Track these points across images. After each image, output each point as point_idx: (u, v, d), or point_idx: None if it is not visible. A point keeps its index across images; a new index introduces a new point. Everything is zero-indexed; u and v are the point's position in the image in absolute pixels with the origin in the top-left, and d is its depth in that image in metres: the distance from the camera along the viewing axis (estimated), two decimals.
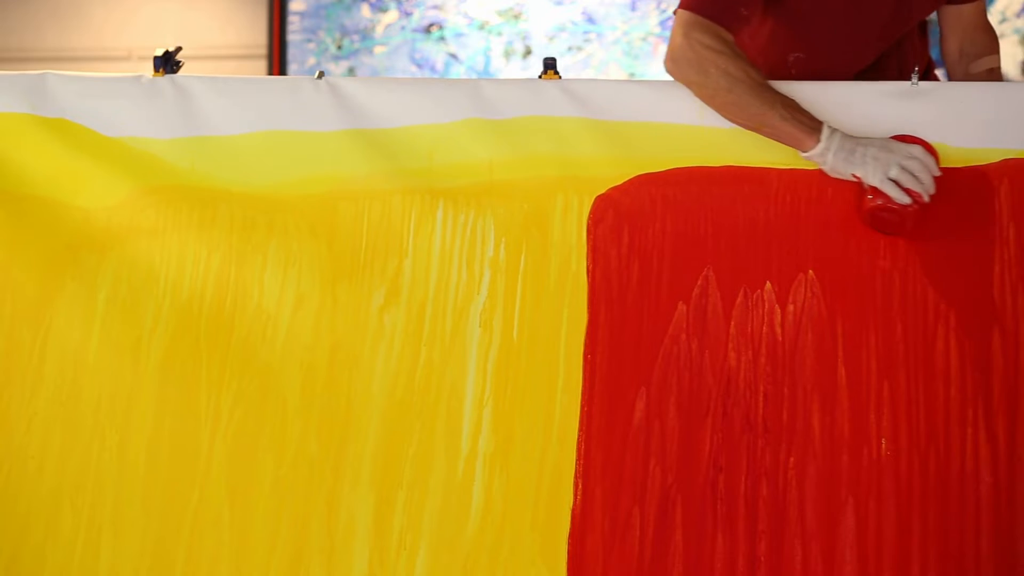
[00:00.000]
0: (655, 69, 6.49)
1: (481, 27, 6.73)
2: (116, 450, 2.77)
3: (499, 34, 6.65)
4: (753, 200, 2.73)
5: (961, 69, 3.06)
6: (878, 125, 2.72)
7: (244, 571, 2.70)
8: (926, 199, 2.63)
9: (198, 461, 2.75)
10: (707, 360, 2.69)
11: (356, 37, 6.75)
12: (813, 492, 2.62)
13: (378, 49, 6.76)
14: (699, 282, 2.73)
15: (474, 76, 6.62)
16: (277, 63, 6.71)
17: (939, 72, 3.19)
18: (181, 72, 2.94)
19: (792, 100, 2.70)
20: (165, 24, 6.84)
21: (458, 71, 6.67)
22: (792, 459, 2.63)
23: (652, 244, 2.74)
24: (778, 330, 2.69)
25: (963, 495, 2.59)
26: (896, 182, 2.62)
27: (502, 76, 6.59)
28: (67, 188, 2.88)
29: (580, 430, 2.70)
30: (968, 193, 2.70)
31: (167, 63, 2.92)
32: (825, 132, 2.66)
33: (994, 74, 3.06)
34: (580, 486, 2.67)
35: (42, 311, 2.84)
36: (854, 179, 2.67)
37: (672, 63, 2.76)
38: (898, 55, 3.05)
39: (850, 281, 2.69)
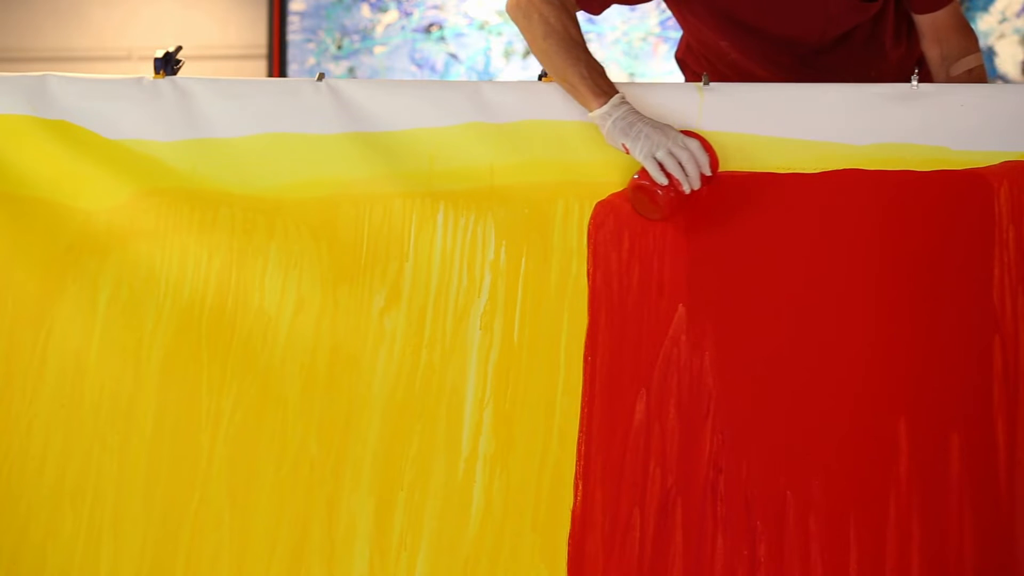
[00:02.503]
0: (655, 69, 6.49)
1: (481, 27, 6.73)
2: (117, 451, 2.77)
3: (499, 34, 6.65)
4: (754, 203, 2.74)
5: (943, 73, 3.06)
6: (878, 127, 2.72)
7: (245, 572, 2.70)
8: (685, 189, 2.67)
9: (199, 463, 2.75)
10: (707, 362, 2.69)
11: (356, 37, 6.75)
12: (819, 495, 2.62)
13: (378, 49, 6.76)
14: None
15: (474, 76, 6.62)
16: (277, 63, 6.70)
17: None
18: (181, 72, 2.94)
19: (600, 67, 2.76)
20: (165, 24, 6.84)
21: (458, 71, 6.67)
22: (792, 461, 2.64)
23: (652, 249, 2.75)
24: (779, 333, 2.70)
25: (962, 499, 2.59)
26: (661, 165, 2.66)
27: (502, 76, 6.59)
28: (68, 190, 2.88)
29: (580, 431, 2.70)
30: (967, 196, 2.70)
31: (167, 64, 2.92)
32: (614, 100, 2.71)
33: (975, 73, 3.05)
34: (580, 487, 2.68)
35: (43, 313, 2.84)
36: (624, 150, 2.70)
37: (508, 5, 2.85)
38: (873, 42, 3.06)
39: (849, 283, 2.69)
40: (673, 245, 2.74)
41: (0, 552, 2.75)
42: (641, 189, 2.70)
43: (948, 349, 2.65)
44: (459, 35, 6.71)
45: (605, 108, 2.71)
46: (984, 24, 6.28)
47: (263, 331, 2.79)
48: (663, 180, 2.66)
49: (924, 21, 3.05)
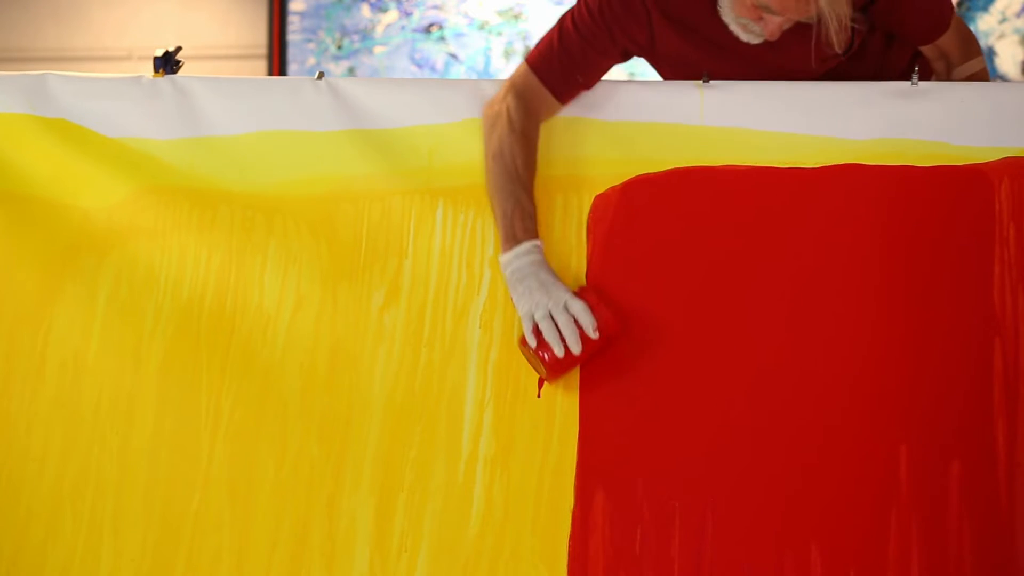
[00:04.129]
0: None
1: (481, 27, 6.73)
2: (117, 451, 2.77)
3: (499, 34, 6.65)
4: (752, 198, 2.73)
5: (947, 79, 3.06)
6: (878, 125, 2.72)
7: (245, 572, 2.70)
8: (558, 353, 2.62)
9: (199, 462, 2.75)
10: (709, 362, 2.69)
11: (356, 37, 6.75)
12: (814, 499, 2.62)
13: (378, 49, 6.76)
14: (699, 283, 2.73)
15: (474, 76, 6.62)
16: (277, 63, 6.70)
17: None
18: (181, 72, 2.94)
19: (529, 208, 2.71)
20: (165, 24, 6.83)
21: (458, 71, 6.67)
22: (795, 466, 2.63)
23: (652, 244, 2.74)
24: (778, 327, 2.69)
25: (962, 505, 2.58)
26: (536, 327, 2.64)
27: (502, 76, 6.58)
28: (67, 188, 2.87)
29: (580, 432, 2.69)
30: (968, 192, 2.69)
31: (167, 63, 2.92)
32: (519, 249, 2.68)
33: (976, 77, 3.04)
34: (581, 489, 2.67)
35: (42, 312, 2.84)
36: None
37: (484, 110, 2.81)
38: (861, 61, 3.06)
39: (847, 278, 2.69)
40: (670, 239, 2.74)
41: (0, 553, 2.74)
42: (524, 349, 2.67)
43: (947, 349, 2.64)
44: (459, 35, 6.71)
45: (508, 256, 2.69)
46: (984, 24, 6.29)
47: (262, 329, 2.79)
48: (533, 342, 2.64)
49: (928, 50, 3.04)
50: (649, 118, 2.78)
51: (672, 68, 2.95)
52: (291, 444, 2.74)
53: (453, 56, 6.72)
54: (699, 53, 2.86)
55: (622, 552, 2.63)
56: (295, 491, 2.72)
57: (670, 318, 2.71)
